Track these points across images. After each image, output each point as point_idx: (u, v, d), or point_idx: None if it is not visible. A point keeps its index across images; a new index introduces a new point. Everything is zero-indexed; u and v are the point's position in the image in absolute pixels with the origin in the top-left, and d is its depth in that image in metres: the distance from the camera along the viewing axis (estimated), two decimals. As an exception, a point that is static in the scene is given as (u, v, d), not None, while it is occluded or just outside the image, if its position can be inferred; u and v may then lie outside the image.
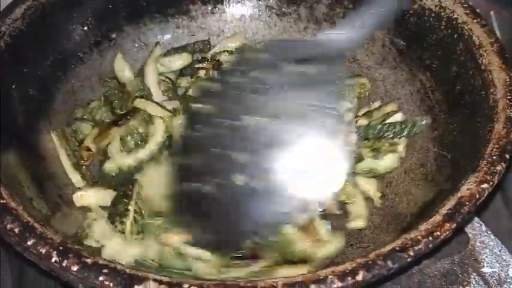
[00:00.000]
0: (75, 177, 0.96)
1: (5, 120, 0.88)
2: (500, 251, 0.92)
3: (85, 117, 1.06)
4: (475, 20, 0.95)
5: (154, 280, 0.61)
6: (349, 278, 0.61)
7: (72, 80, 1.09)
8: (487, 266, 0.90)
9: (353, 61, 1.17)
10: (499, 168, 0.73)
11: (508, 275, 0.89)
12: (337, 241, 0.87)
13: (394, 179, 1.01)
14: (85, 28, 1.11)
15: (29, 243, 0.64)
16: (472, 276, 0.88)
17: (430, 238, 0.65)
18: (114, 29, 1.16)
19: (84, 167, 0.99)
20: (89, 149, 1.00)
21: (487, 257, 0.91)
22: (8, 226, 0.66)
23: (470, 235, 0.93)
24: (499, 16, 1.28)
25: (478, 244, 0.92)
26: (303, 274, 0.62)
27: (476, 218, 0.96)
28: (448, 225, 0.66)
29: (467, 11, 0.96)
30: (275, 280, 0.61)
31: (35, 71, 1.01)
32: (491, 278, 0.89)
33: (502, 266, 0.90)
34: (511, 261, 0.91)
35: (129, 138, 0.99)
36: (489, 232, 0.94)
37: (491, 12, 1.29)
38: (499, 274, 0.89)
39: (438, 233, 0.66)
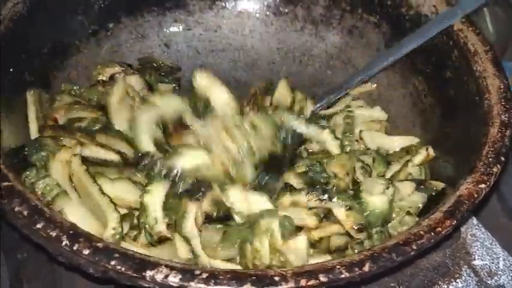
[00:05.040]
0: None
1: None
2: (491, 244, 0.95)
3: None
4: (470, 28, 0.98)
5: (166, 266, 0.61)
6: (356, 269, 0.63)
7: (68, 68, 1.08)
8: (478, 259, 0.92)
9: (347, 63, 1.20)
10: (495, 169, 0.76)
11: (498, 267, 0.91)
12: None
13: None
14: (83, 17, 1.10)
15: (39, 226, 0.64)
16: (463, 269, 0.91)
17: (432, 233, 0.68)
18: (111, 19, 1.15)
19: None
20: (55, 120, 0.98)
21: (478, 250, 0.94)
22: (17, 209, 0.66)
23: (461, 228, 0.95)
24: (492, 12, 1.31)
25: (469, 237, 0.95)
26: (311, 264, 0.63)
27: (467, 212, 0.99)
28: (448, 221, 0.69)
29: (463, 19, 1.00)
30: (285, 269, 0.63)
31: (33, 57, 1.01)
32: (482, 271, 0.91)
33: (492, 258, 0.93)
34: (501, 254, 0.93)
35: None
36: (480, 225, 0.96)
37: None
38: (489, 266, 0.92)
39: (439, 229, 0.68)
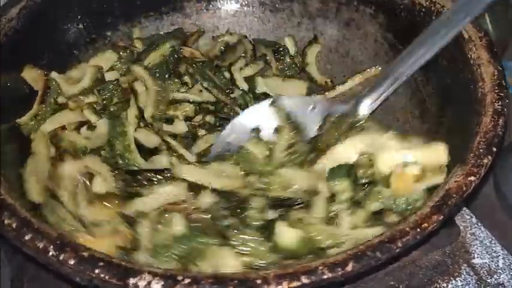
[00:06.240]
0: None
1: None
2: (490, 242, 0.94)
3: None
4: (465, 14, 0.96)
5: (149, 272, 0.62)
6: (339, 269, 0.63)
7: (67, 78, 1.10)
8: (478, 257, 0.91)
9: (346, 56, 1.19)
10: (485, 161, 0.74)
11: (498, 266, 0.91)
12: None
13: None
14: (80, 26, 1.12)
15: (27, 237, 0.66)
16: (462, 268, 0.90)
17: (418, 230, 0.67)
18: (108, 27, 1.17)
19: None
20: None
21: (477, 248, 0.93)
22: (6, 221, 0.67)
23: (461, 227, 0.94)
24: (492, 11, 1.28)
25: (469, 236, 0.94)
26: (293, 266, 0.63)
27: (466, 211, 0.97)
28: (435, 217, 0.68)
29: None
30: (267, 272, 0.63)
31: (31, 70, 1.03)
32: (482, 269, 0.90)
33: (492, 257, 0.92)
34: (501, 253, 0.92)
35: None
36: (480, 224, 0.96)
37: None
38: (489, 265, 0.91)
39: (426, 225, 0.67)
